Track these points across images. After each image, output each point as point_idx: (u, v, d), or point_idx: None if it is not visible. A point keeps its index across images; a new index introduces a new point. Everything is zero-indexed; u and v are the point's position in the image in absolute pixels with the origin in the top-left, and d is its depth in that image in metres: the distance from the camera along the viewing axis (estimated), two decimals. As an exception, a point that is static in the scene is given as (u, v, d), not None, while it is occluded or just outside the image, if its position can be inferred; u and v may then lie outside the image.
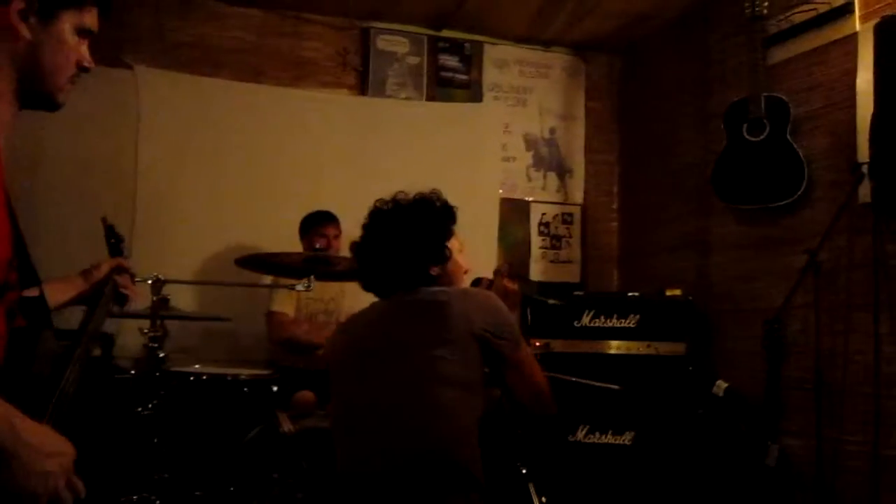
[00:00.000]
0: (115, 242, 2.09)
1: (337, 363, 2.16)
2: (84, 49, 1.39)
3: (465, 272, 2.31)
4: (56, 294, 1.78)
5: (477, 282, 2.61)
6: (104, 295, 1.81)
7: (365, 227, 2.16)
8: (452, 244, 2.17)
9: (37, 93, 1.35)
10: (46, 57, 1.32)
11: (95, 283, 1.88)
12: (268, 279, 3.78)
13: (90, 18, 1.38)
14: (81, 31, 1.36)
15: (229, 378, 3.17)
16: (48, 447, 1.19)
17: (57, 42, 1.32)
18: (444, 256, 2.12)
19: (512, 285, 2.46)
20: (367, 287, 2.18)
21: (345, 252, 3.79)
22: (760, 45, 3.84)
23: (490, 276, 2.66)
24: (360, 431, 2.01)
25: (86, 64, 1.40)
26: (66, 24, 1.33)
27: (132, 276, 2.00)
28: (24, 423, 1.16)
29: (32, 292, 1.34)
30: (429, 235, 2.10)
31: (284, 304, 3.86)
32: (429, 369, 1.93)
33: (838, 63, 3.54)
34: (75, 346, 1.47)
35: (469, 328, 1.95)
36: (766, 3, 3.81)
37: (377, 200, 2.16)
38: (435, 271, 2.10)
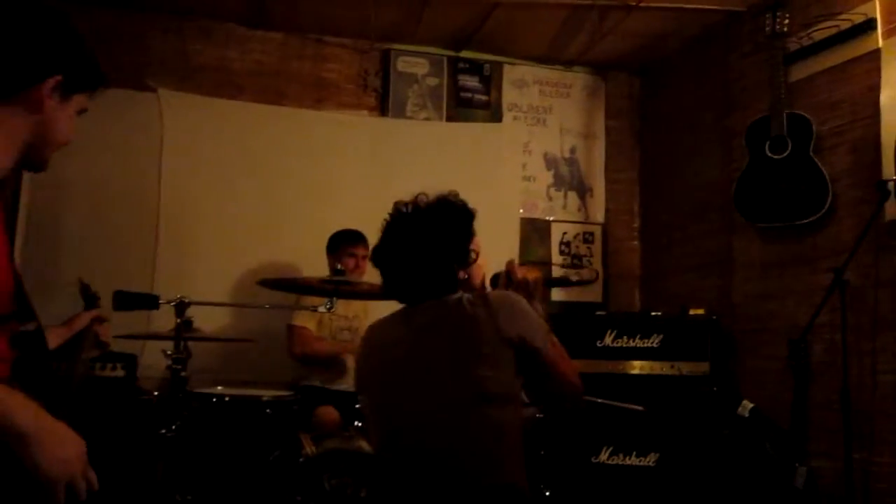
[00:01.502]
0: (90, 297, 2.29)
1: (374, 385, 2.11)
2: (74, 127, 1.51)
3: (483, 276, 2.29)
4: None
5: (495, 280, 2.52)
6: (86, 340, 2.05)
7: (385, 230, 2.10)
8: (475, 245, 2.11)
9: (34, 159, 1.46)
10: (57, 132, 1.45)
11: (77, 332, 2.11)
12: (290, 300, 3.79)
13: (88, 101, 1.52)
14: (80, 111, 1.50)
15: (251, 399, 3.17)
16: (67, 437, 1.28)
17: (66, 119, 1.46)
18: (469, 259, 2.07)
19: (532, 273, 2.33)
20: (391, 295, 2.11)
21: (370, 274, 3.82)
22: (781, 62, 3.82)
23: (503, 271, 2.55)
24: (410, 456, 1.97)
25: (70, 139, 1.53)
26: (76, 104, 1.47)
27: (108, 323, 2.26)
28: (45, 413, 1.25)
29: (29, 326, 1.43)
30: (454, 237, 2.05)
31: (306, 319, 3.87)
32: (473, 390, 1.90)
33: (861, 79, 3.51)
34: (68, 382, 1.69)
35: (502, 337, 1.91)
36: (786, 21, 3.80)
37: (396, 203, 2.11)
38: (461, 275, 2.04)
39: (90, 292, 2.32)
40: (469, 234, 2.08)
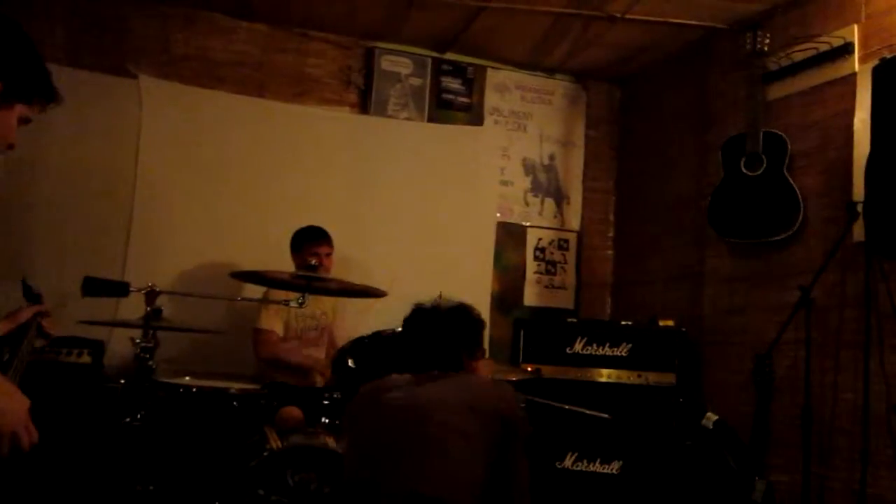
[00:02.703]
0: (34, 297, 2.33)
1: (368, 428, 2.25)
2: (14, 133, 1.61)
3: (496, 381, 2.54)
4: None
5: None
6: (30, 330, 2.13)
7: (408, 319, 2.39)
8: (482, 350, 2.41)
9: None
10: None
11: (19, 325, 2.16)
12: (261, 292, 3.78)
13: (34, 111, 1.62)
14: (23, 120, 1.60)
15: (218, 391, 3.16)
16: (11, 391, 1.40)
17: (5, 124, 1.56)
18: (477, 352, 2.37)
19: None
20: (403, 367, 2.34)
21: (335, 271, 3.82)
22: (760, 80, 3.88)
23: None
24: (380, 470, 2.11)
25: (12, 144, 1.62)
26: (18, 112, 1.58)
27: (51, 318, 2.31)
28: None
29: None
30: (468, 330, 2.37)
31: (272, 321, 3.84)
32: (452, 426, 2.08)
33: (836, 102, 3.58)
34: (10, 364, 1.80)
35: (496, 407, 2.13)
36: (767, 40, 3.86)
37: (416, 304, 2.41)
38: (466, 363, 2.31)
39: (33, 292, 2.34)
40: (480, 335, 2.41)
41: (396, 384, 2.25)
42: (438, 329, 2.32)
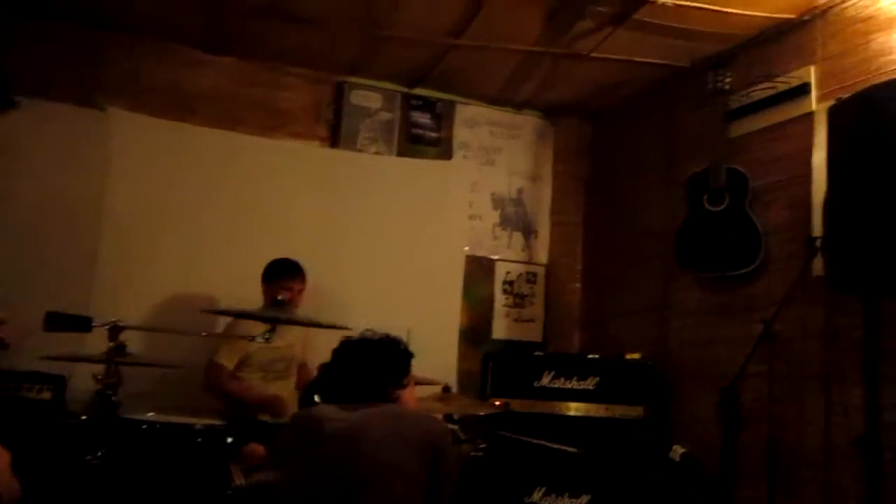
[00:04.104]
0: None
1: (294, 453, 2.30)
2: None
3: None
4: None
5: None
6: None
7: (336, 351, 2.47)
8: (409, 379, 2.49)
9: None
10: None
11: None
12: (224, 324, 3.74)
13: None
14: None
15: (183, 427, 3.12)
16: None
17: None
18: (402, 381, 2.44)
19: None
20: (330, 398, 2.43)
21: (307, 306, 3.81)
22: (722, 118, 3.97)
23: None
24: None
25: None
26: None
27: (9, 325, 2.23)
28: None
29: None
30: (392, 360, 2.45)
31: (227, 356, 3.79)
32: (381, 461, 2.14)
33: (796, 139, 3.67)
34: None
35: (425, 435, 2.22)
36: (728, 79, 3.95)
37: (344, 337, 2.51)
38: (392, 394, 2.39)
39: None
40: (406, 364, 2.48)
41: (325, 415, 2.29)
42: (362, 360, 2.41)
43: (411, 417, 2.32)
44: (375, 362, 2.41)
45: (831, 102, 3.18)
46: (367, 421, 2.22)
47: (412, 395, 2.54)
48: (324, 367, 2.59)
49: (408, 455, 2.15)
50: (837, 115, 2.97)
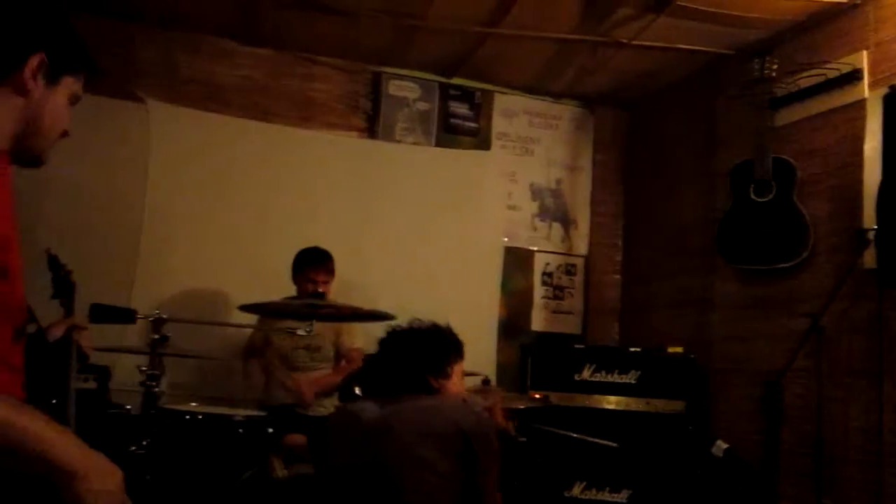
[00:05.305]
0: (61, 280, 2.17)
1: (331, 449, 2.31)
2: (69, 117, 1.43)
3: (463, 400, 2.48)
4: None
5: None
6: (72, 353, 1.93)
7: (380, 341, 2.39)
8: (455, 368, 2.36)
9: (28, 150, 1.37)
10: (46, 117, 1.35)
11: (57, 341, 1.96)
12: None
13: (81, 87, 1.42)
14: (73, 99, 1.41)
15: (223, 418, 3.13)
16: (107, 469, 1.19)
17: (56, 106, 1.37)
18: (444, 371, 2.32)
19: (505, 423, 2.76)
20: (370, 391, 2.42)
21: (340, 295, 3.79)
22: (767, 106, 3.88)
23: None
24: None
25: (67, 131, 1.43)
26: (66, 89, 1.38)
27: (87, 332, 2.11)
28: (85, 446, 1.17)
29: (30, 329, 1.39)
30: (431, 350, 2.33)
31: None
32: (408, 458, 2.10)
33: (845, 128, 3.57)
34: (65, 403, 1.61)
35: (456, 424, 2.12)
36: (774, 66, 3.86)
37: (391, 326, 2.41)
38: (434, 384, 2.29)
39: (59, 263, 2.19)
40: (450, 354, 2.36)
41: (362, 410, 2.26)
42: (401, 351, 2.32)
43: (443, 409, 2.21)
44: (414, 353, 2.32)
45: (885, 89, 3.09)
46: (397, 416, 2.18)
47: (458, 386, 2.44)
48: (367, 359, 2.52)
49: (437, 448, 2.09)
50: (892, 103, 2.88)
